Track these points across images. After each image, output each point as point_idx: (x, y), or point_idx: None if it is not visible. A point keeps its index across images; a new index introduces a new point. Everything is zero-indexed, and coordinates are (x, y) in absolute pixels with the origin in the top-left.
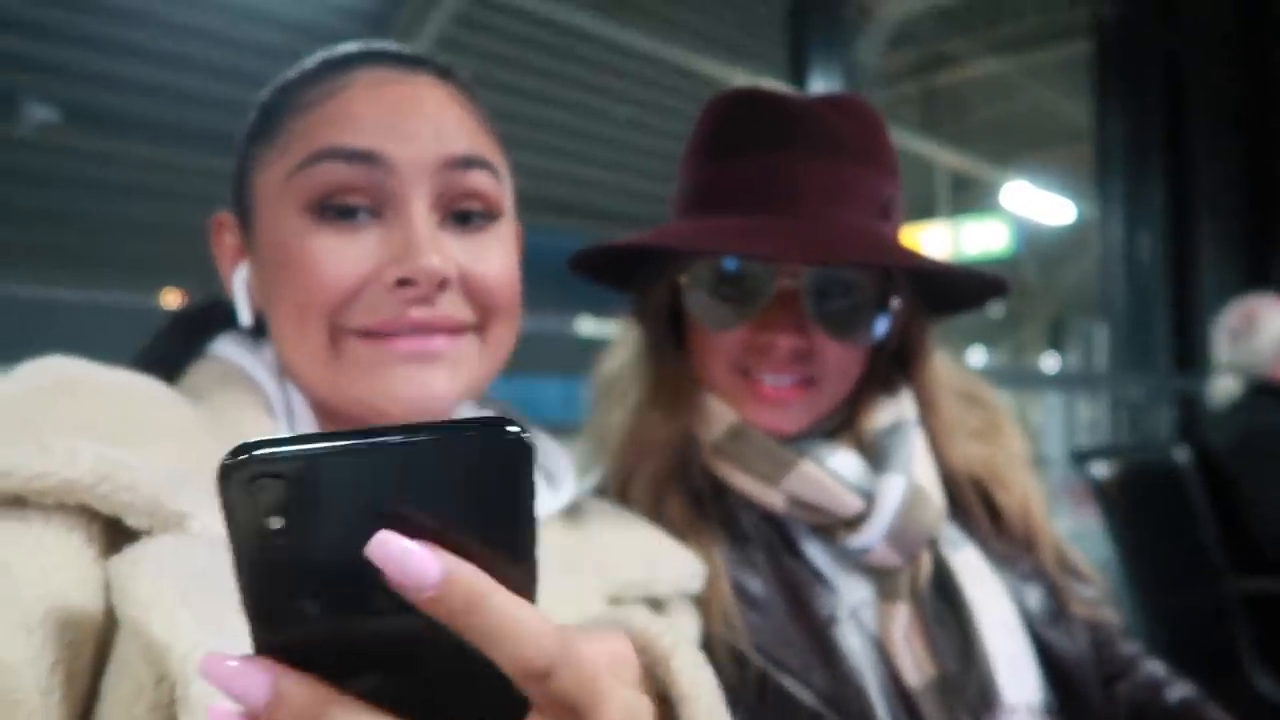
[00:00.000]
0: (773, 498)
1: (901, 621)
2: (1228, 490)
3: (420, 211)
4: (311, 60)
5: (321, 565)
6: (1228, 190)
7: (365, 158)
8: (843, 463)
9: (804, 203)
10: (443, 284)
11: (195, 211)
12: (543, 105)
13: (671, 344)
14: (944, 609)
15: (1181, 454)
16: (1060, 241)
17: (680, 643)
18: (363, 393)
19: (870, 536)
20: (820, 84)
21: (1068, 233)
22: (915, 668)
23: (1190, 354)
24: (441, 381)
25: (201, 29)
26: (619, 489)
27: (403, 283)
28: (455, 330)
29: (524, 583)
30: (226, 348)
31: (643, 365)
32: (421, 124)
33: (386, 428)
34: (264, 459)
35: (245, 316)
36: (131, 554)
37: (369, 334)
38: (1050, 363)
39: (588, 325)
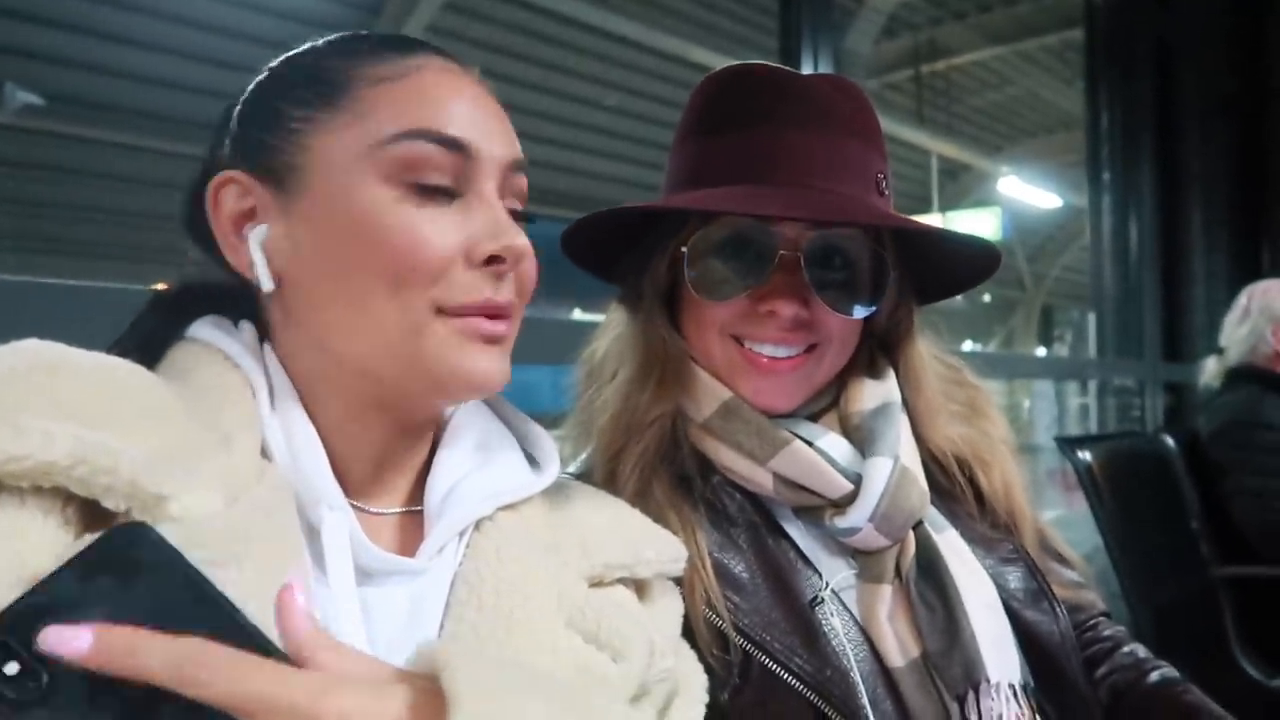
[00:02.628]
0: (761, 476)
1: (886, 602)
2: (1214, 476)
3: (497, 199)
4: (352, 36)
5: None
6: (1218, 178)
7: (457, 146)
8: (831, 444)
9: (803, 173)
10: (516, 262)
11: (178, 200)
12: (530, 92)
13: (664, 320)
14: (928, 589)
15: (1167, 440)
16: (1050, 231)
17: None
18: (438, 370)
19: (857, 518)
20: (812, 72)
21: (1057, 223)
22: (898, 648)
23: (1179, 342)
24: (502, 362)
25: (188, 15)
26: (607, 468)
27: (492, 260)
28: (511, 316)
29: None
30: (206, 330)
31: (633, 344)
32: (493, 122)
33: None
34: None
35: (266, 281)
36: None
37: (453, 312)
38: (1040, 354)
39: (576, 314)
